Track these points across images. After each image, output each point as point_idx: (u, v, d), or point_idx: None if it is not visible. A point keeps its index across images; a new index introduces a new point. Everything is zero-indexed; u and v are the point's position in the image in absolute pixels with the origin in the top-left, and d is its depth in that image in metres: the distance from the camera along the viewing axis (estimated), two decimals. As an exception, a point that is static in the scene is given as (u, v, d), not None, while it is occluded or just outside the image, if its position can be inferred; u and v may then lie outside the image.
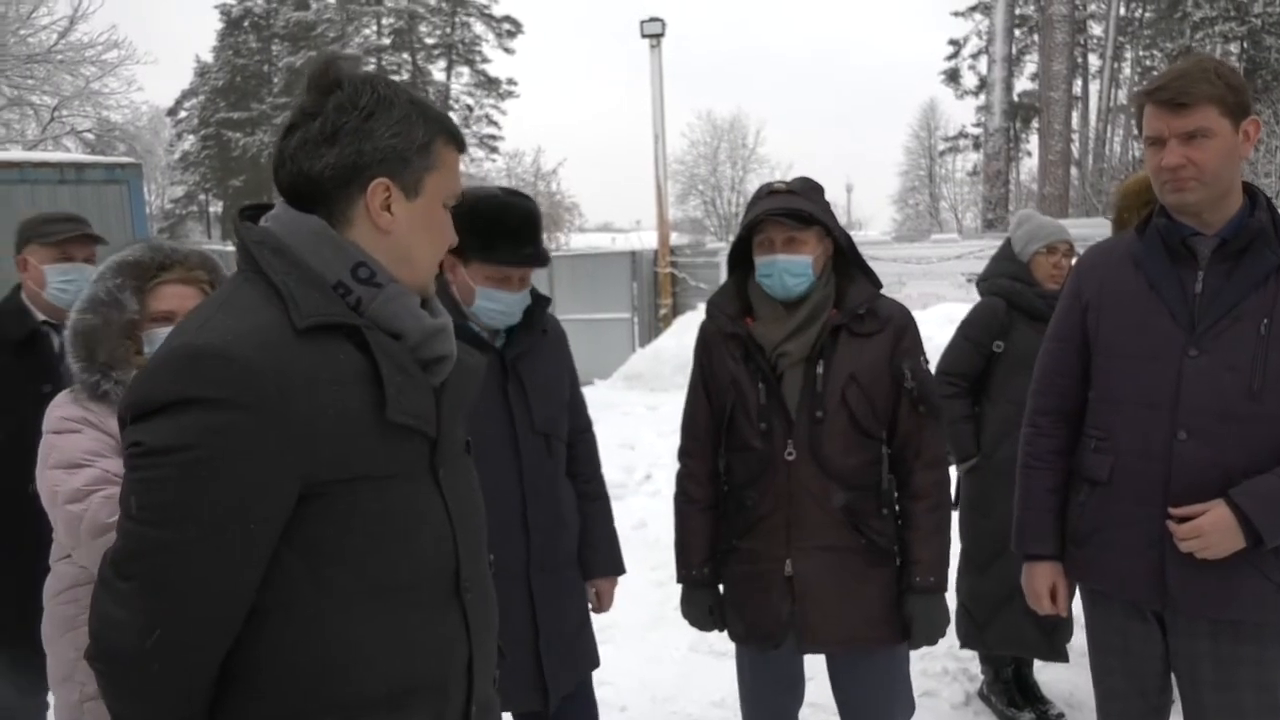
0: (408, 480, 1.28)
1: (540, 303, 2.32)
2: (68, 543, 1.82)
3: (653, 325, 13.12)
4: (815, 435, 2.24)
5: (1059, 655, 3.36)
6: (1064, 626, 3.28)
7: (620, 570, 2.53)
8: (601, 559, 2.48)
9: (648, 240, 15.47)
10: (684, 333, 10.14)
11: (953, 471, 2.60)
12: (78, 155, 10.61)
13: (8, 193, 6.62)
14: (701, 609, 2.44)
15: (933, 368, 2.63)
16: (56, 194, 6.71)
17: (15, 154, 8.71)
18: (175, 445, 1.12)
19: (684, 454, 2.45)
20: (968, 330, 3.38)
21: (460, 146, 1.35)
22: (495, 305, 2.20)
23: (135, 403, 1.18)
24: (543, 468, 2.28)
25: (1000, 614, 3.29)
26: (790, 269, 2.25)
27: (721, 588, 2.45)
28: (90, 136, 18.22)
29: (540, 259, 2.21)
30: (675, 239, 16.25)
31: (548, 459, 2.30)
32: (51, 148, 15.96)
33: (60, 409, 1.90)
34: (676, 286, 13.37)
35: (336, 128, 1.25)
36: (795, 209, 2.25)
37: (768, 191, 2.33)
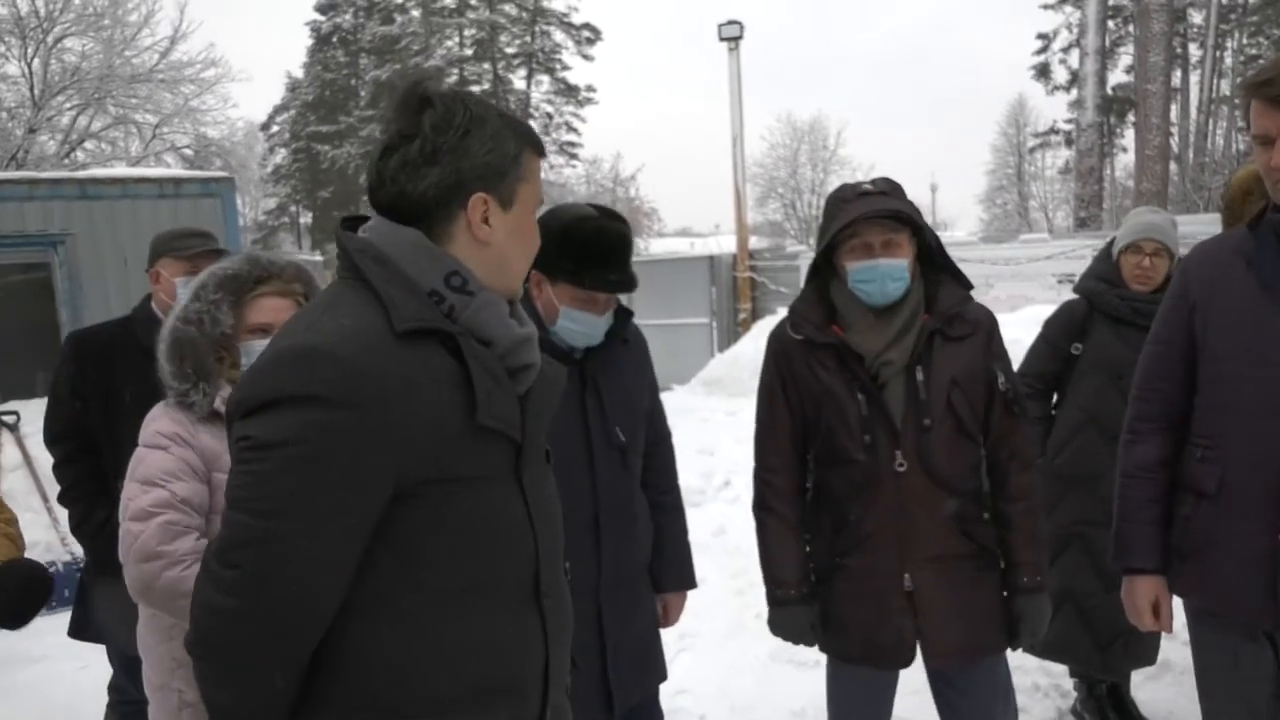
0: (494, 484, 1.31)
1: (622, 316, 2.30)
2: (120, 554, 1.84)
3: (731, 330, 13.04)
4: (924, 444, 2.19)
5: (1114, 673, 3.23)
6: (1131, 646, 3.15)
7: (691, 585, 2.49)
8: (672, 573, 2.44)
9: (726, 244, 15.40)
10: (763, 337, 9.98)
11: None
12: (175, 171, 11.08)
13: (111, 207, 6.95)
14: (801, 628, 2.34)
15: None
16: (156, 208, 7.02)
17: (118, 170, 9.14)
18: (282, 440, 1.17)
19: (766, 470, 2.36)
20: (1046, 331, 3.31)
21: (541, 154, 1.41)
22: (578, 326, 2.19)
23: (244, 399, 1.23)
24: (617, 481, 2.26)
25: (1052, 621, 3.18)
26: (891, 273, 2.19)
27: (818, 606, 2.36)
28: (189, 152, 19.00)
29: (628, 285, 2.18)
30: (754, 243, 16.14)
31: (623, 472, 2.28)
32: (153, 164, 16.70)
33: (155, 422, 1.94)
34: (755, 291, 13.27)
35: (436, 148, 1.29)
36: (895, 209, 2.19)
37: (857, 194, 2.25)
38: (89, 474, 2.81)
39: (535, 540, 1.36)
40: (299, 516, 1.17)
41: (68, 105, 16.32)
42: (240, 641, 1.20)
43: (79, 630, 2.94)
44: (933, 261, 2.29)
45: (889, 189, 2.25)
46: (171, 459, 1.86)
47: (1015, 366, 2.47)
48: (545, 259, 2.15)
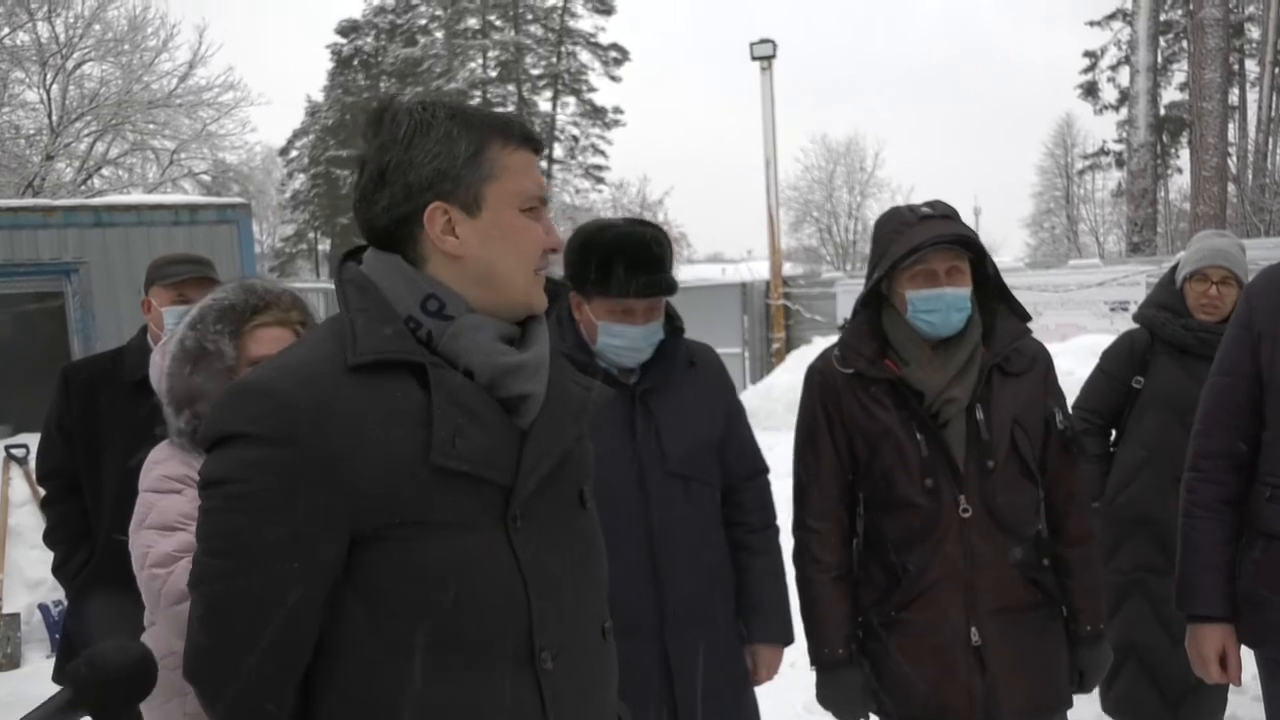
0: (469, 531, 1.24)
1: (675, 333, 2.24)
2: (148, 607, 1.83)
3: (764, 360, 13.01)
4: (987, 487, 2.13)
5: None
6: (1199, 700, 3.04)
7: (787, 639, 2.33)
8: (765, 622, 2.29)
9: (759, 271, 15.41)
10: (798, 368, 9.99)
11: None
12: (191, 197, 11.30)
13: (125, 234, 7.08)
14: (851, 693, 2.23)
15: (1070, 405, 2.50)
16: (171, 235, 7.14)
17: (133, 197, 9.33)
18: (220, 478, 1.20)
19: (813, 517, 2.26)
20: (1105, 363, 3.27)
21: (528, 144, 1.32)
22: (618, 341, 2.14)
23: (201, 439, 1.29)
24: (677, 511, 2.15)
25: (1116, 676, 3.09)
26: (956, 303, 2.14)
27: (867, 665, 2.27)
28: (207, 178, 19.35)
29: (660, 287, 2.12)
30: (788, 269, 16.16)
31: (685, 504, 2.17)
32: (170, 190, 17.02)
33: (161, 465, 1.90)
34: (790, 319, 13.24)
35: (383, 168, 1.27)
36: (962, 235, 2.14)
37: (919, 217, 2.18)
38: (74, 514, 2.83)
39: (527, 596, 1.26)
40: (244, 555, 1.19)
41: (85, 132, 16.69)
42: (215, 674, 1.23)
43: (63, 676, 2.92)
44: (988, 291, 2.24)
45: (949, 212, 2.21)
46: (186, 501, 1.83)
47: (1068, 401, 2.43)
48: (575, 276, 2.15)
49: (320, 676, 1.24)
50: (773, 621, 2.30)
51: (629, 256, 2.10)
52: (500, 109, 1.54)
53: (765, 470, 2.39)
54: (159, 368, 1.99)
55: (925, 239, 2.11)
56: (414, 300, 1.26)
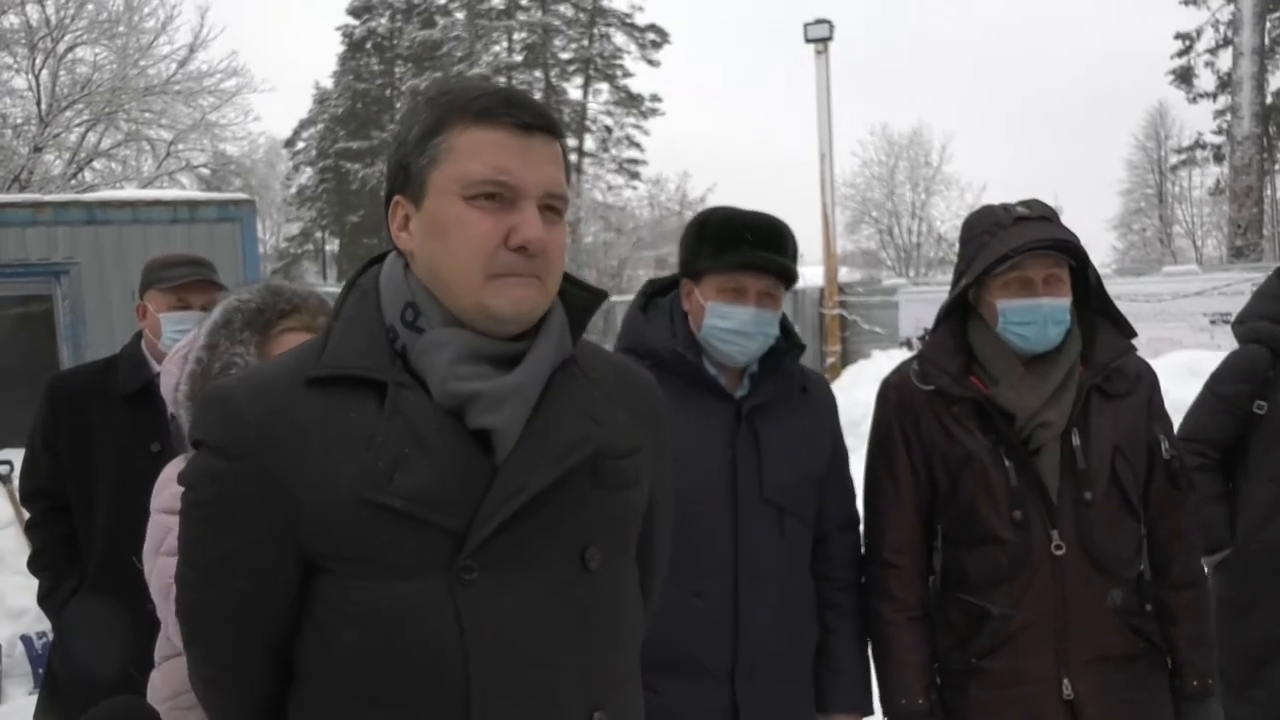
0: (405, 577, 1.20)
1: (795, 351, 2.24)
2: (176, 642, 1.85)
3: (818, 376, 12.95)
4: (1083, 522, 2.10)
5: None
6: None
7: (866, 710, 2.28)
8: (843, 688, 2.24)
9: (812, 276, 15.36)
10: (855, 386, 9.95)
11: None
12: (191, 193, 11.45)
13: (119, 233, 7.19)
14: None
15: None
16: (169, 234, 7.24)
17: (128, 192, 9.47)
18: (187, 484, 1.28)
19: (887, 550, 2.23)
20: (1218, 385, 3.16)
21: (491, 119, 1.23)
22: (726, 323, 2.10)
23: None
24: (769, 547, 2.13)
25: None
26: (1054, 314, 2.11)
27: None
28: (205, 171, 19.66)
29: (779, 267, 2.10)
30: (844, 275, 16.11)
31: (778, 538, 2.14)
32: (167, 184, 17.29)
33: (176, 484, 1.87)
34: (846, 330, 13.18)
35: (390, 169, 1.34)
36: (1063, 240, 2.11)
37: (1013, 218, 2.16)
38: (60, 540, 2.87)
39: (466, 661, 1.20)
40: (197, 564, 1.27)
41: (76, 121, 17.01)
42: (193, 675, 1.32)
43: None
44: (1087, 303, 2.21)
45: (1047, 213, 2.18)
46: None
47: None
48: (687, 260, 2.19)
49: (289, 704, 1.30)
50: (853, 689, 2.26)
51: (745, 230, 2.11)
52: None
53: (858, 522, 2.33)
54: (173, 377, 2.01)
55: (1021, 243, 2.08)
56: (396, 309, 1.27)
